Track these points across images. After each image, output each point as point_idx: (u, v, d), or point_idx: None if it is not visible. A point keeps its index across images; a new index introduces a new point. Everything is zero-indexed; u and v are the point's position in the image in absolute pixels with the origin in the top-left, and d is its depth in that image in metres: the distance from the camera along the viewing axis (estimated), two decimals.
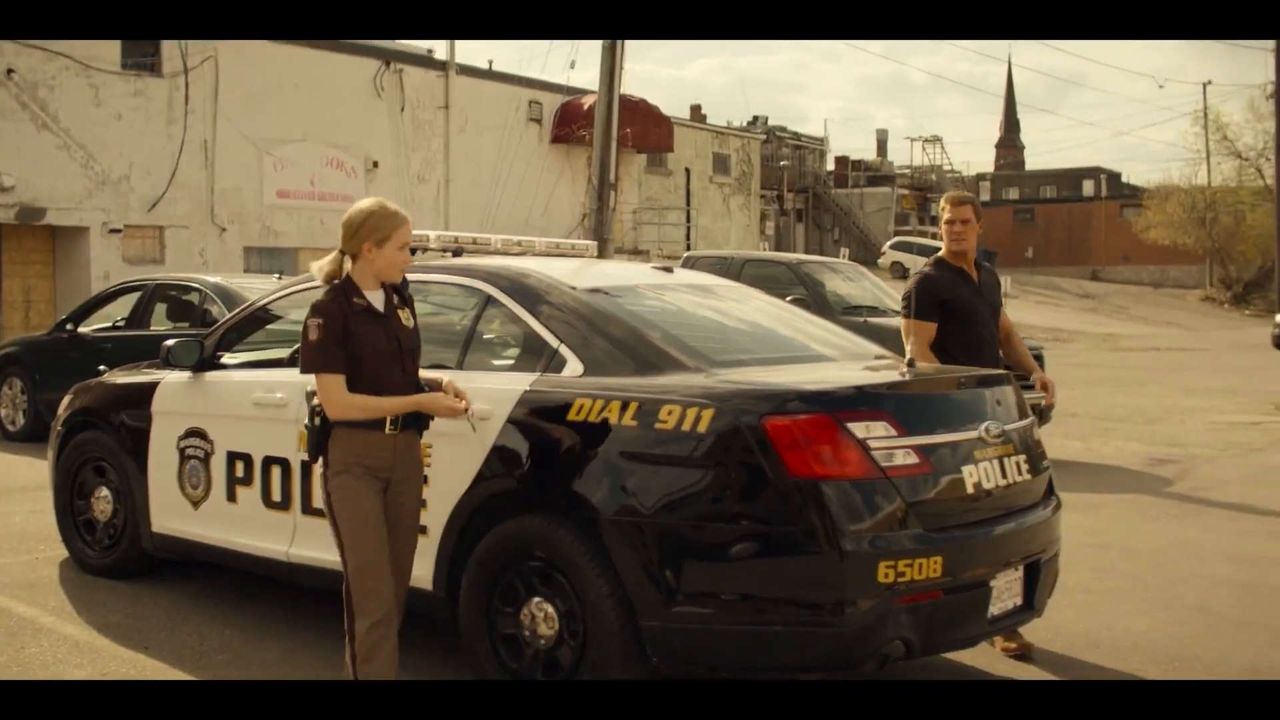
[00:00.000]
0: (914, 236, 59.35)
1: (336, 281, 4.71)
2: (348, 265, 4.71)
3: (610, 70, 19.10)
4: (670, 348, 5.07)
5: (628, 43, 19.72)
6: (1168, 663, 6.07)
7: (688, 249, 34.38)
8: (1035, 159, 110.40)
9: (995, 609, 4.89)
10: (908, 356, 5.97)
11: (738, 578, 4.57)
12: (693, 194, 43.32)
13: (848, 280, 14.91)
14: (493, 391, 5.21)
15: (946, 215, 6.51)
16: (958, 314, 6.36)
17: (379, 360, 4.64)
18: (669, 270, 6.33)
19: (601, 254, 16.69)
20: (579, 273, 5.74)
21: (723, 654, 4.64)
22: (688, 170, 43.08)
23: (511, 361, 5.49)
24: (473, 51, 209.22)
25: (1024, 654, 5.98)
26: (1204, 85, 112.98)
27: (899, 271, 51.85)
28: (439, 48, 34.28)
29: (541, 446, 5.02)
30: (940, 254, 6.60)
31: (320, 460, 4.69)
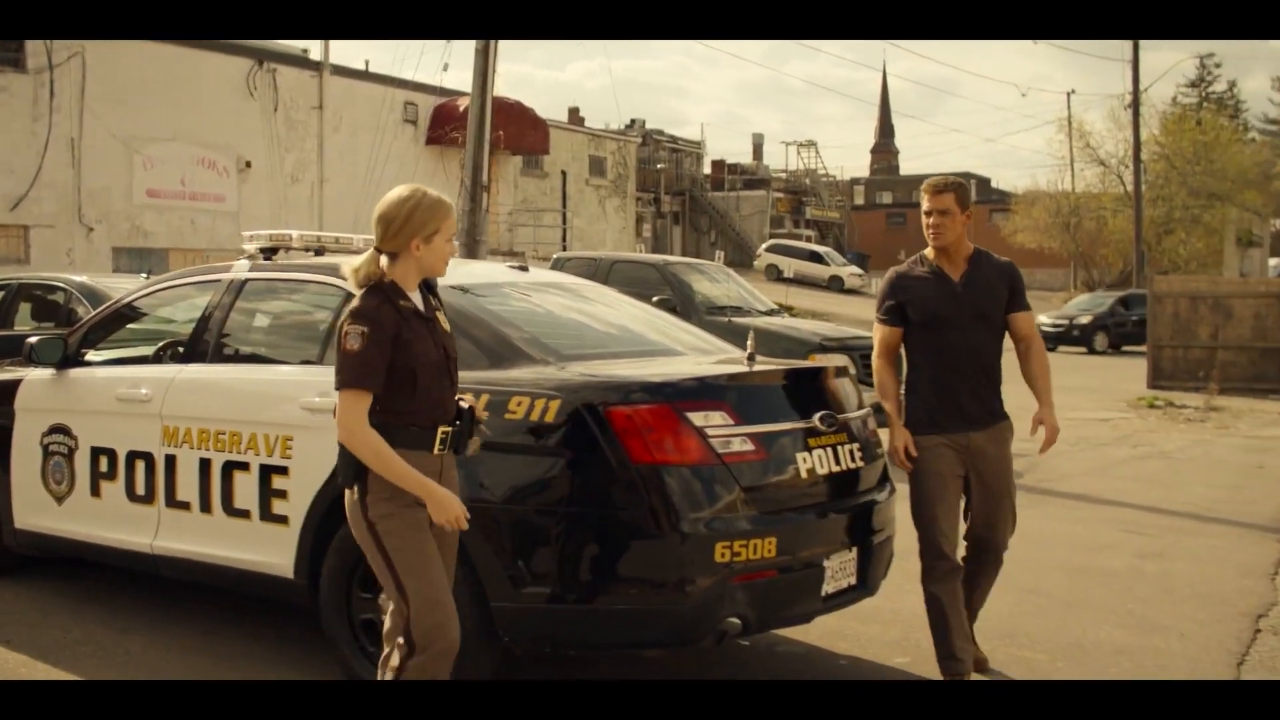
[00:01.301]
0: (789, 240, 60.24)
1: (376, 284, 4.13)
2: (384, 264, 4.15)
3: (483, 73, 19.23)
4: (521, 342, 5.31)
5: (504, 45, 19.88)
6: (999, 639, 6.44)
7: (563, 250, 34.59)
8: (909, 164, 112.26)
9: (829, 588, 5.19)
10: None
11: (583, 560, 4.82)
12: (569, 196, 43.56)
13: (714, 281, 15.24)
14: None
15: (924, 205, 5.63)
16: (923, 319, 5.58)
17: (431, 371, 4.15)
18: (524, 269, 6.55)
19: (474, 255, 16.84)
20: None
21: (569, 633, 4.89)
22: (564, 173, 43.29)
23: None
24: (348, 52, 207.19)
25: (979, 666, 5.93)
26: (1068, 94, 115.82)
27: (774, 274, 52.59)
28: (314, 47, 34.13)
29: None
30: (926, 249, 5.74)
31: (355, 488, 4.12)
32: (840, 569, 5.25)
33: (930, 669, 5.83)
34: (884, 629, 6.63)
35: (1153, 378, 25.13)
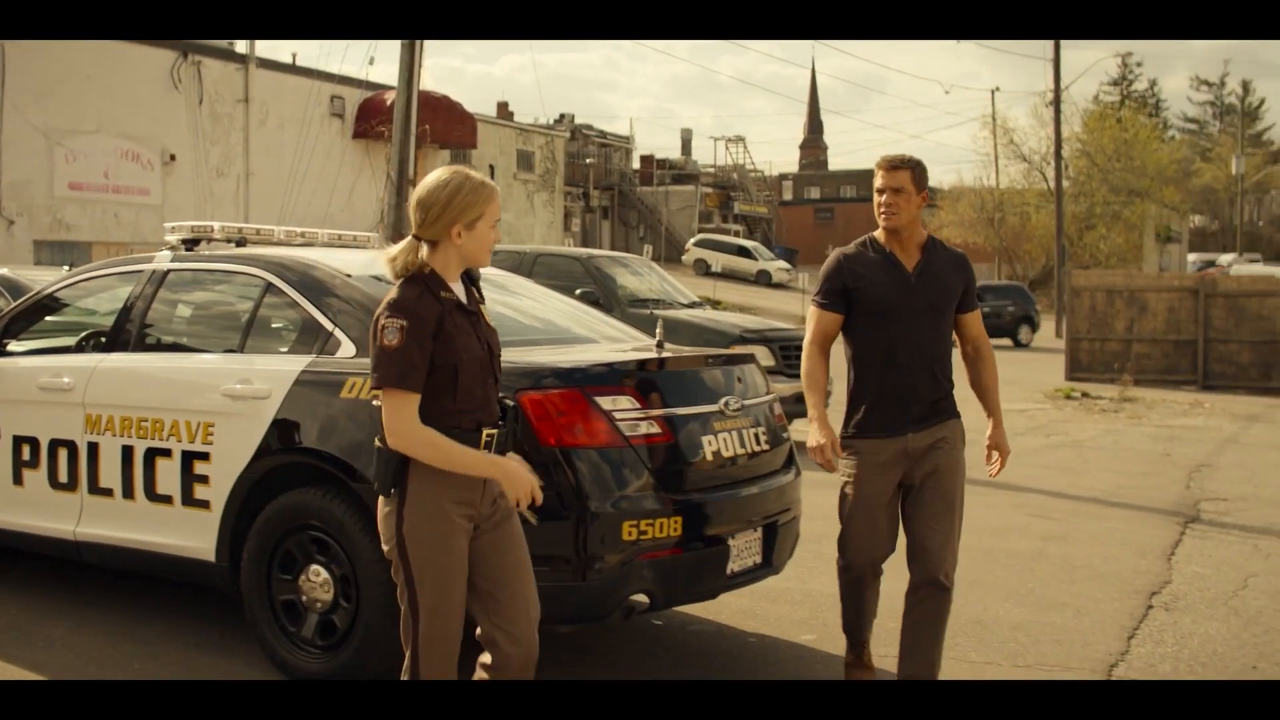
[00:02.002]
0: (717, 234, 60.65)
1: (415, 274, 3.85)
2: (424, 253, 3.86)
3: (409, 67, 19.29)
4: None
5: (434, 39, 19.93)
6: (896, 619, 6.68)
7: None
8: (838, 159, 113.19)
9: (734, 565, 5.40)
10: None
11: None
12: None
13: (636, 275, 15.44)
14: (272, 372, 5.54)
15: (876, 181, 5.12)
16: (870, 309, 5.08)
17: (474, 368, 3.86)
18: None
19: None
20: (356, 262, 6.09)
21: None
22: (492, 167, 43.34)
23: (289, 344, 5.79)
24: (275, 45, 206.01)
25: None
26: (992, 92, 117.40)
27: (702, 269, 53.00)
28: (240, 41, 33.94)
29: (317, 423, 5.35)
30: (876, 231, 5.22)
31: (392, 496, 3.85)
32: (745, 548, 5.46)
33: (835, 646, 6.05)
34: (792, 608, 6.86)
35: (1070, 369, 25.71)
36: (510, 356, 5.28)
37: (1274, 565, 8.35)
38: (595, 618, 5.04)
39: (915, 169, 5.07)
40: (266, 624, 5.44)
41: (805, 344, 5.21)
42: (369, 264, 6.11)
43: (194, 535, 5.70)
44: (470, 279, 4.03)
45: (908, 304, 5.05)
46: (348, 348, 5.46)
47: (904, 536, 5.22)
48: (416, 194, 3.90)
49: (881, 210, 5.07)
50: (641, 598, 4.99)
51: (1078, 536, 9.15)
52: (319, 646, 5.30)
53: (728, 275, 52.67)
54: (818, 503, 6.16)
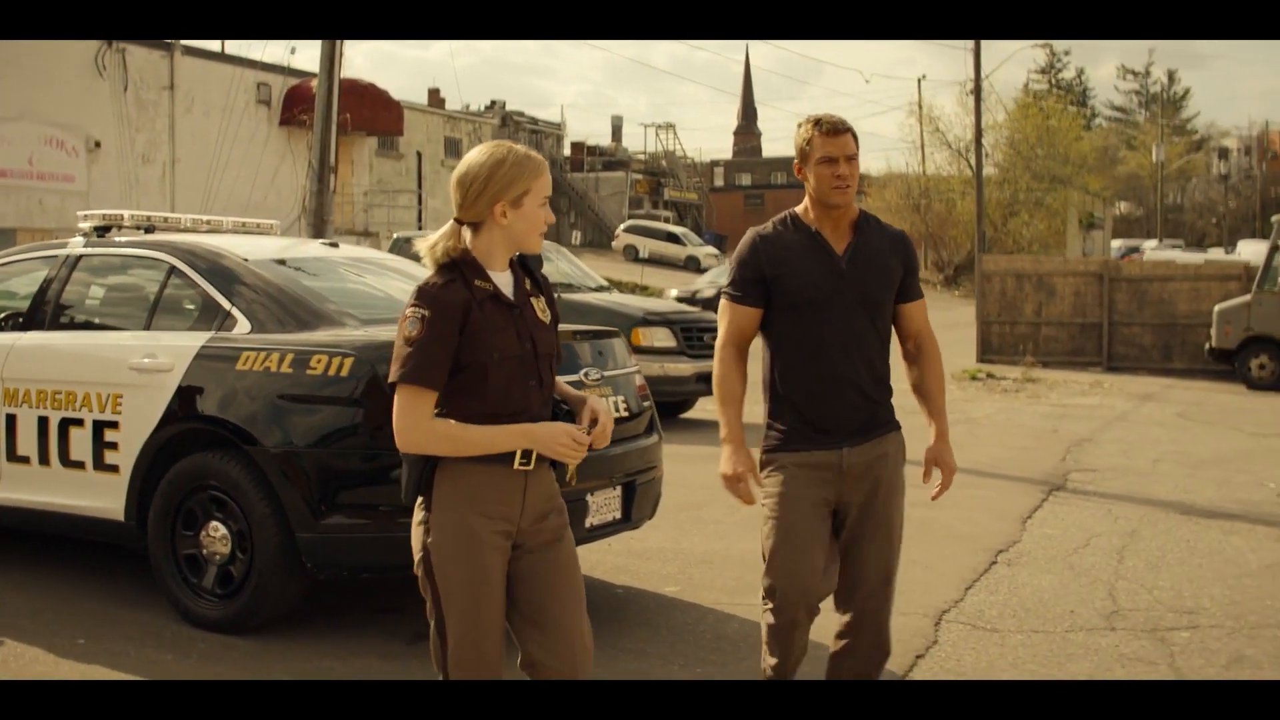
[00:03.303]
0: (647, 220, 61.26)
1: (453, 260, 3.51)
2: (466, 238, 3.53)
3: (330, 57, 19.62)
4: (323, 308, 6.04)
5: (352, 39, 20.30)
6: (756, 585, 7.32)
7: (420, 230, 35.06)
8: (772, 146, 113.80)
9: (593, 520, 6.00)
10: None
11: (372, 495, 5.58)
12: (425, 177, 44.00)
13: (547, 260, 15.99)
14: (175, 348, 6.08)
15: (821, 150, 4.28)
16: (791, 299, 4.32)
17: (510, 368, 3.48)
18: (335, 246, 7.29)
19: (322, 235, 17.36)
20: (256, 248, 6.62)
21: (362, 557, 5.64)
22: (419, 154, 43.70)
23: (191, 322, 6.31)
24: None
25: None
26: (919, 80, 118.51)
27: (631, 254, 53.51)
28: None
29: (215, 393, 5.90)
30: (798, 207, 4.45)
31: (420, 504, 3.54)
32: (604, 504, 6.06)
33: (696, 597, 6.68)
34: (661, 565, 7.47)
35: (981, 351, 26.49)
36: (386, 332, 5.87)
37: (1120, 527, 9.06)
38: None
39: (855, 135, 4.34)
40: (171, 576, 5.98)
41: (717, 345, 4.45)
42: (269, 249, 6.65)
43: (105, 497, 6.22)
44: (525, 267, 3.67)
45: (838, 294, 4.28)
46: (244, 325, 6.01)
47: None
48: (455, 174, 3.56)
49: (835, 185, 4.26)
50: None
51: (944, 504, 9.67)
52: (217, 595, 5.87)
53: (657, 261, 53.26)
54: (701, 474, 6.62)
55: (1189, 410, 17.90)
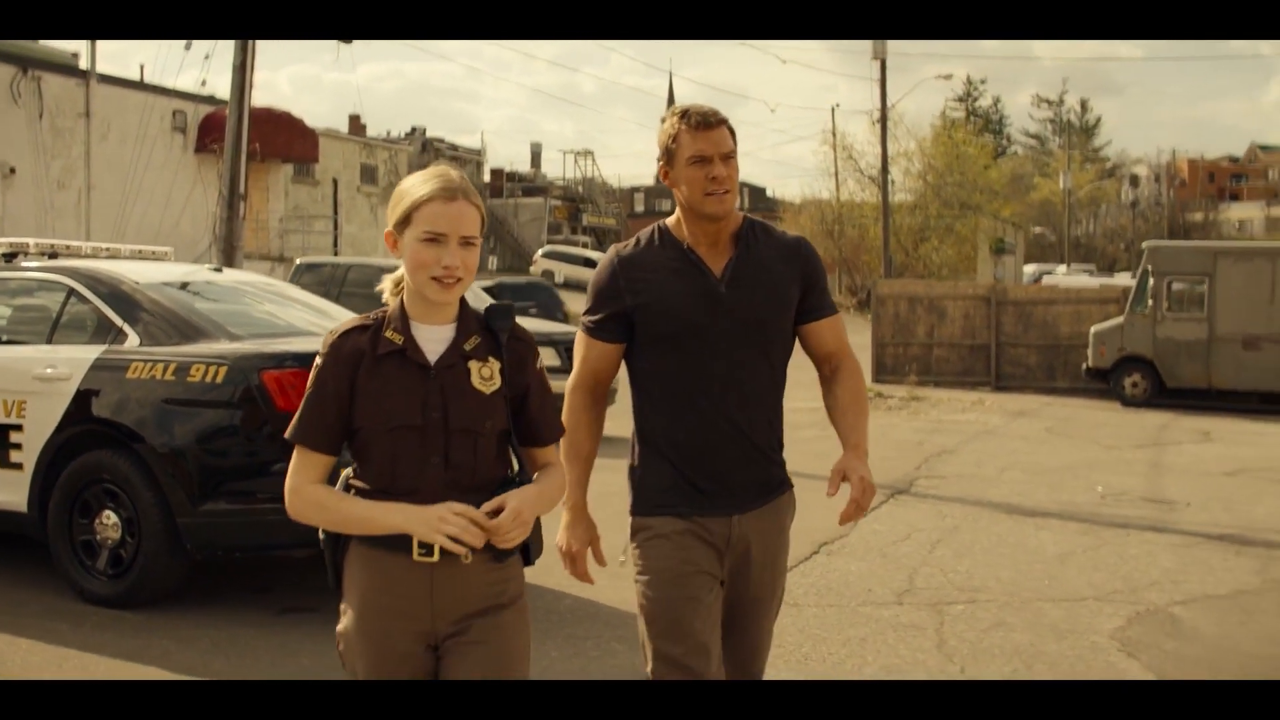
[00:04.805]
0: (565, 246, 62.17)
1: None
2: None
3: (240, 86, 20.27)
4: (204, 324, 6.91)
5: (291, 46, 20.94)
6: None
7: (335, 255, 35.77)
8: None
9: None
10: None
11: (244, 484, 6.46)
12: (341, 203, 44.63)
13: None
14: (73, 359, 6.93)
15: (690, 148, 3.54)
16: (659, 330, 3.56)
17: (402, 440, 2.91)
18: (219, 270, 8.19)
19: (232, 262, 18.12)
20: (146, 272, 7.50)
21: (235, 538, 6.53)
22: (335, 180, 44.29)
23: (88, 337, 7.14)
24: (118, 58, 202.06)
25: None
26: (833, 109, 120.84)
27: (549, 279, 54.44)
28: (82, 53, 34.46)
29: (109, 398, 6.74)
30: (669, 220, 3.71)
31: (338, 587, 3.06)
32: None
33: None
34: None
35: (876, 372, 27.55)
36: (256, 345, 6.74)
37: (944, 524, 10.06)
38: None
39: (729, 124, 3.58)
40: (68, 559, 6.81)
41: (567, 388, 3.66)
42: (159, 274, 7.51)
43: (9, 492, 7.04)
44: (488, 319, 3.04)
45: (716, 323, 3.53)
46: (134, 339, 6.88)
47: None
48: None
49: (710, 190, 3.53)
50: None
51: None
52: (109, 575, 6.71)
53: (574, 285, 54.14)
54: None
55: (1057, 425, 19.01)
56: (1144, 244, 24.55)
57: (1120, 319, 23.15)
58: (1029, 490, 12.00)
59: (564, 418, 3.56)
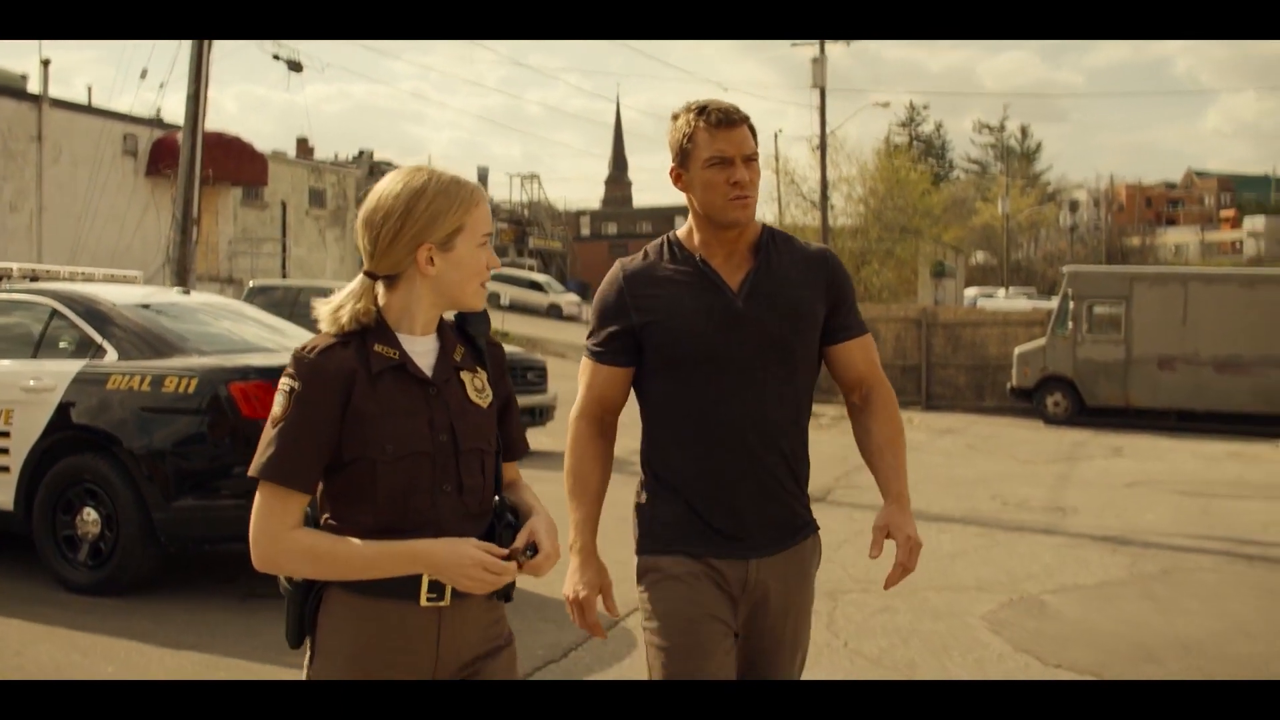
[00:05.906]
0: (511, 268, 62.85)
1: (363, 324, 2.61)
2: (382, 296, 2.65)
3: (194, 116, 20.87)
4: (175, 341, 7.73)
5: (240, 66, 21.58)
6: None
7: (283, 277, 36.39)
8: (643, 196, 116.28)
9: None
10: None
11: (211, 483, 7.27)
12: (289, 226, 45.10)
13: None
14: (57, 373, 7.72)
15: (708, 148, 3.18)
16: (671, 353, 3.23)
17: (412, 468, 2.57)
18: (187, 292, 9.01)
19: (183, 283, 18.80)
20: (121, 293, 8.30)
21: (203, 531, 7.35)
22: (284, 203, 44.76)
23: (70, 353, 7.93)
24: (61, 70, 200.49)
25: None
26: (775, 134, 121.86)
27: (494, 301, 55.05)
28: (32, 76, 34.85)
29: (89, 407, 7.53)
30: (680, 230, 3.36)
31: (308, 643, 2.63)
32: None
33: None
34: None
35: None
36: (224, 360, 7.54)
37: (850, 527, 10.84)
38: None
39: (751, 122, 3.25)
40: (52, 553, 7.59)
41: (570, 417, 3.37)
42: (133, 295, 8.31)
43: None
44: (462, 330, 2.74)
45: (735, 344, 3.20)
46: (112, 355, 7.68)
47: None
48: (363, 211, 2.65)
49: (734, 196, 3.18)
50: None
51: None
52: (89, 565, 7.49)
53: (519, 308, 54.82)
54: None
55: (979, 442, 19.97)
56: (1064, 268, 25.67)
57: (1043, 340, 24.17)
58: (937, 499, 12.87)
59: (568, 449, 3.31)
